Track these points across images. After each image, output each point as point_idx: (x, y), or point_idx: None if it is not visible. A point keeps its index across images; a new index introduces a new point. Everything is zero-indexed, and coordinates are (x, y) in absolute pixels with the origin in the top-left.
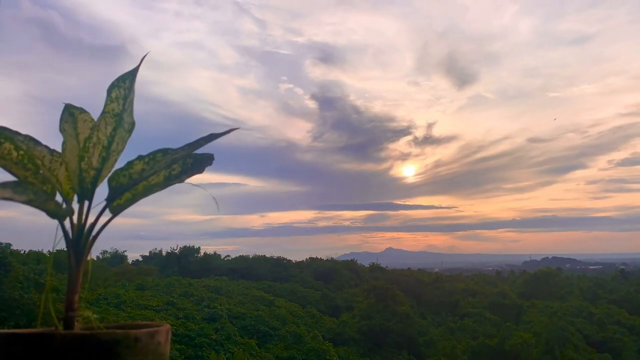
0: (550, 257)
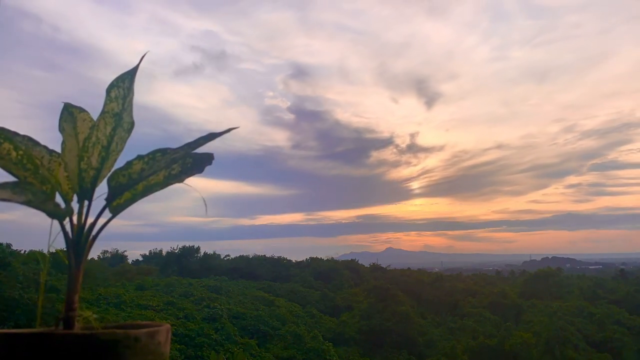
0: (550, 257)
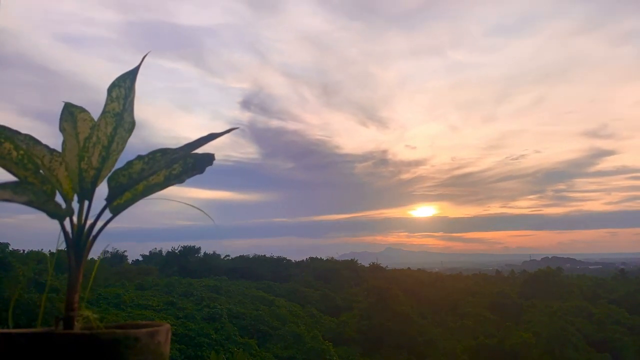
0: (550, 257)
